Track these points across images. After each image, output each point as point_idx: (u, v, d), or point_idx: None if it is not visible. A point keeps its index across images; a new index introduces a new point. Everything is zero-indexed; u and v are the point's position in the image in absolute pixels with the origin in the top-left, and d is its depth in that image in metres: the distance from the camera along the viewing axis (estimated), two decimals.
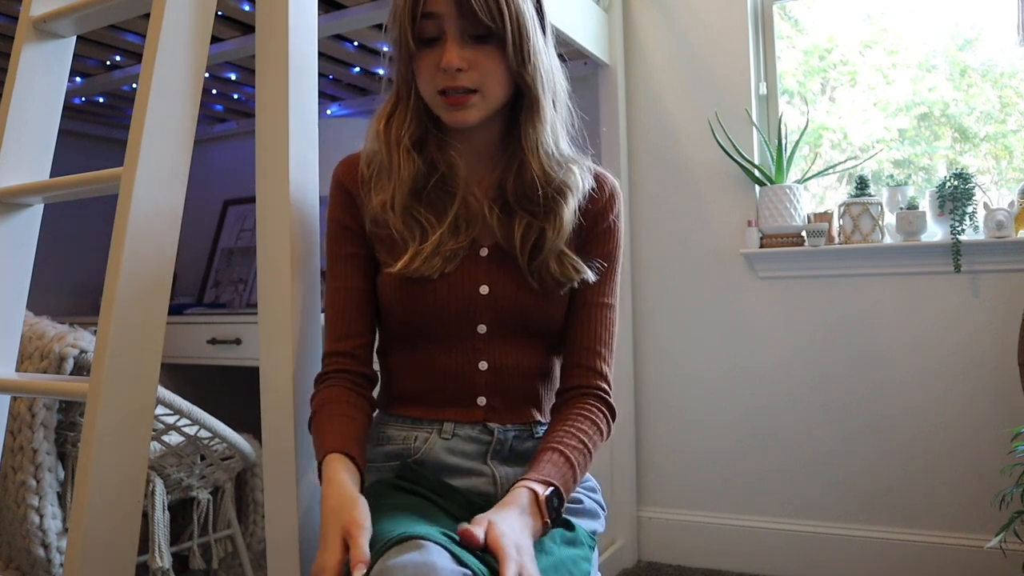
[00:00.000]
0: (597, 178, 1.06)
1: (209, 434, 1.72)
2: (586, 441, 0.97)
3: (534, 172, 0.98)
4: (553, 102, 1.00)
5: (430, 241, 0.97)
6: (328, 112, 2.84)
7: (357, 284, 1.03)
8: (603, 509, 1.08)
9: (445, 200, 1.00)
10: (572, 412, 1.00)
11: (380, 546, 0.81)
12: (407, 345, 1.03)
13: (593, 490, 1.08)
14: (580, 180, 1.02)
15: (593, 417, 1.00)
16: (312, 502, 1.14)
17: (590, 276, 1.01)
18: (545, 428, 1.05)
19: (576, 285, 1.01)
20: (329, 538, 0.83)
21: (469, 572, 0.79)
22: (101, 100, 2.69)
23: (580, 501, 1.03)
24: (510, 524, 0.83)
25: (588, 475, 1.10)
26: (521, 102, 0.99)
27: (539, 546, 0.88)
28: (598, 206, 1.05)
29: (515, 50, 0.94)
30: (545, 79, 0.98)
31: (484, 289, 0.99)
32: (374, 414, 1.08)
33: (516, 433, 1.02)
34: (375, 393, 1.07)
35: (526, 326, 1.02)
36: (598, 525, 1.03)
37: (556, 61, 1.01)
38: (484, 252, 1.01)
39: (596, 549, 1.00)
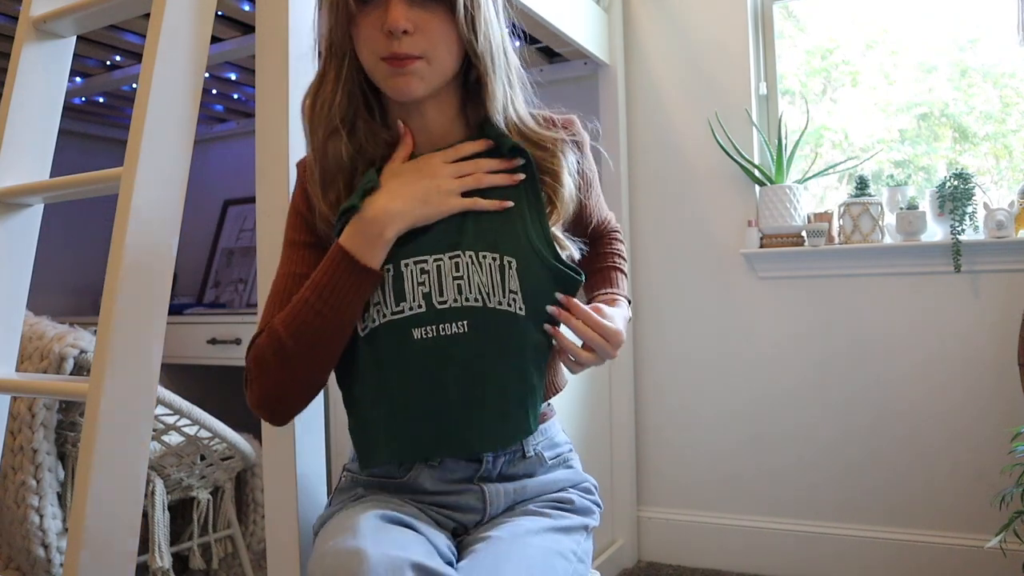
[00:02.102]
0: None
1: (209, 434, 1.72)
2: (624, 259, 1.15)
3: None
4: (508, 79, 0.94)
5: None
6: None
7: (306, 272, 0.95)
8: (599, 507, 1.05)
9: None
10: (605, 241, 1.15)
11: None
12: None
13: (588, 491, 1.05)
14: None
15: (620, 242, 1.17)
16: (312, 502, 1.14)
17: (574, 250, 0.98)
18: (537, 442, 1.01)
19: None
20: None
21: (404, 558, 0.78)
22: (101, 100, 2.69)
23: (571, 501, 1.00)
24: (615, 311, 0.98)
25: (585, 475, 1.08)
26: (472, 76, 0.93)
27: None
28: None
29: (465, 14, 0.86)
30: (496, 52, 0.91)
31: None
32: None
33: (507, 458, 0.98)
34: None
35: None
36: (591, 520, 1.01)
37: (510, 41, 0.96)
38: None
39: (591, 540, 0.99)
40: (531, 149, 0.95)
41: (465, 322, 0.89)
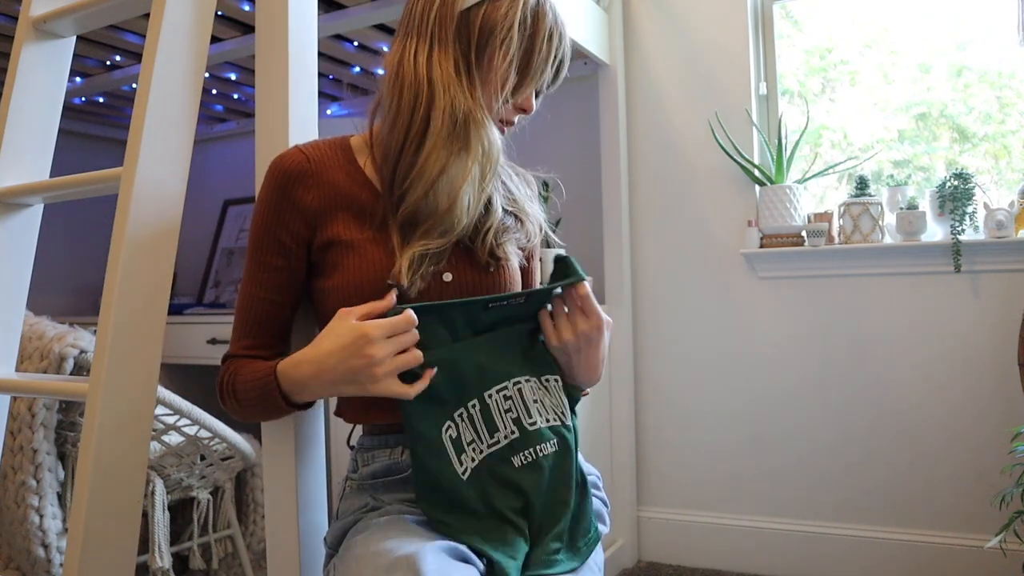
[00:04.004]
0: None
1: (209, 434, 1.72)
2: None
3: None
4: None
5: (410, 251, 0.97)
6: (328, 112, 2.84)
7: (277, 299, 1.00)
8: (606, 506, 1.07)
9: None
10: None
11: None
12: None
13: (596, 486, 1.07)
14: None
15: None
16: (312, 502, 1.14)
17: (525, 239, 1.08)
18: None
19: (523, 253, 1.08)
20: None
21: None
22: (101, 100, 2.69)
23: None
24: None
25: (591, 467, 1.10)
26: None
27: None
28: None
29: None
30: None
31: (447, 276, 0.99)
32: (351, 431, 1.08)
33: None
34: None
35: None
36: (604, 528, 1.03)
37: None
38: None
39: (601, 549, 1.00)
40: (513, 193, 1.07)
41: (555, 439, 0.94)
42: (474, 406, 0.91)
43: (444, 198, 0.94)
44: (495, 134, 0.96)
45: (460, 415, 0.90)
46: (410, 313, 0.85)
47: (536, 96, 1.03)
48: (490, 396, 0.92)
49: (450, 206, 0.94)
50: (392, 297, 0.90)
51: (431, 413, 0.89)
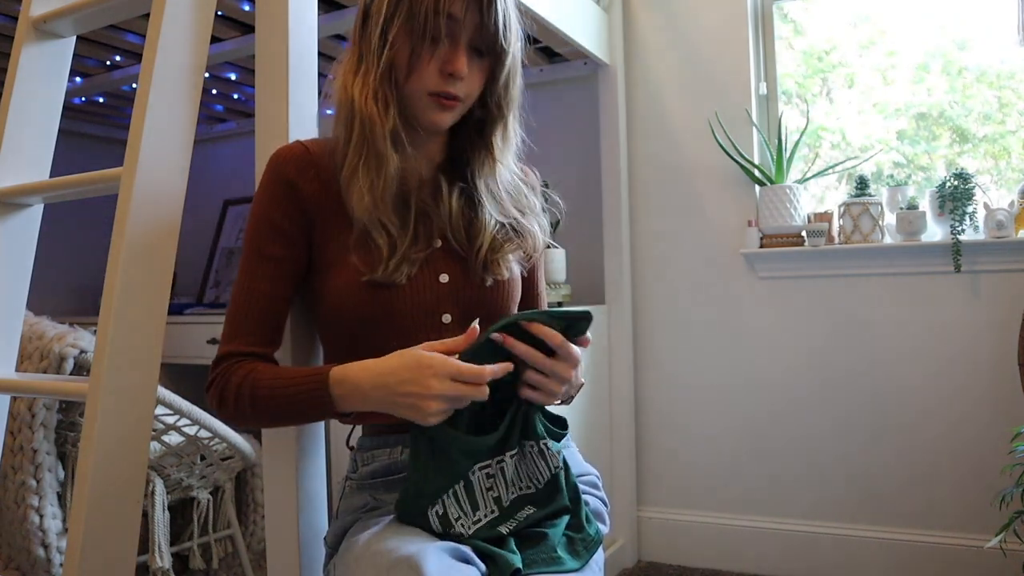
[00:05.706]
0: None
1: (209, 434, 1.72)
2: None
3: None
4: (508, 130, 1.04)
5: (399, 252, 0.96)
6: (328, 112, 2.84)
7: (277, 291, 0.98)
8: (606, 505, 1.07)
9: (402, 206, 0.99)
10: None
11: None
12: (369, 349, 0.95)
13: (595, 486, 1.08)
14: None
15: None
16: (312, 502, 1.14)
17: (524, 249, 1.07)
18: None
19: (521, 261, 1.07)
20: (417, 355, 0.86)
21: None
22: (101, 100, 2.69)
23: (586, 503, 1.01)
24: None
25: (589, 467, 1.10)
26: (480, 115, 1.02)
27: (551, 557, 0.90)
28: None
29: (508, 74, 0.98)
30: (512, 107, 1.02)
31: (444, 278, 0.99)
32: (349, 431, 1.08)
33: None
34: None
35: (488, 308, 1.02)
36: (604, 527, 1.03)
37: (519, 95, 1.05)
38: (438, 243, 1.00)
39: (602, 550, 1.00)
40: (509, 210, 1.04)
41: (532, 506, 0.95)
42: (460, 485, 0.92)
43: (351, 193, 0.96)
44: (374, 119, 0.95)
45: (449, 494, 0.91)
46: (486, 371, 0.84)
47: (482, 55, 0.96)
48: (473, 474, 0.92)
49: (358, 200, 0.95)
50: (475, 327, 0.88)
51: (424, 493, 0.91)
